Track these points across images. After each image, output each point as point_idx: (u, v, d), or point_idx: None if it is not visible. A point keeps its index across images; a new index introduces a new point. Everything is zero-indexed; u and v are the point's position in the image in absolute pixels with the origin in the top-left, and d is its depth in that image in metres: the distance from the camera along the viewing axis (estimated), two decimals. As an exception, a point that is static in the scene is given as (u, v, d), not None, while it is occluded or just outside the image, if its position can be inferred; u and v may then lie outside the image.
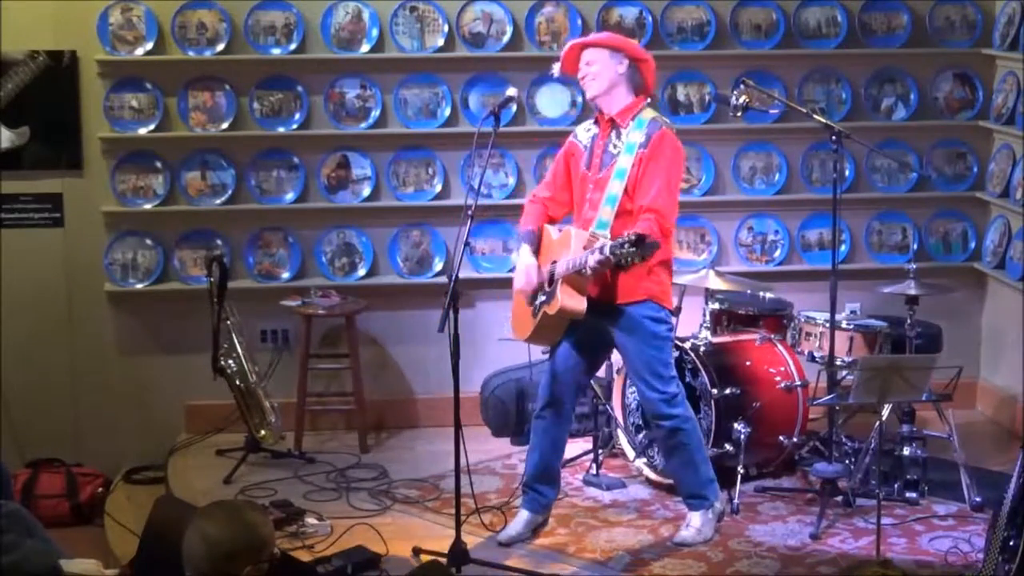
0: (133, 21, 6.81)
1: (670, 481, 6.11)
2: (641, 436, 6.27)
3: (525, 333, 5.60)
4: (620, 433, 6.37)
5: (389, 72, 6.99)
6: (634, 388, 6.24)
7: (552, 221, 5.66)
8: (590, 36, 5.68)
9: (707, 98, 7.08)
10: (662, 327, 5.51)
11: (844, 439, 6.19)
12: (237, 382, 6.54)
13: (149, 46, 6.81)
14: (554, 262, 5.43)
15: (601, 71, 5.47)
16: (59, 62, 6.73)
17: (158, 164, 6.90)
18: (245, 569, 3.67)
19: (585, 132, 5.63)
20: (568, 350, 5.60)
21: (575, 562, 5.51)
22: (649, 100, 5.58)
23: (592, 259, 5.13)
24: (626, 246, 4.95)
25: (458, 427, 5.31)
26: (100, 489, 6.60)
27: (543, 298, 5.46)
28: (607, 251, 5.04)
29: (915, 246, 7.12)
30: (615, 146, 5.48)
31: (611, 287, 5.43)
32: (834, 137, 5.88)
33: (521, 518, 5.73)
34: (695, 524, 5.68)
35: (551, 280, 5.42)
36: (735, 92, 6.10)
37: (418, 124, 7.01)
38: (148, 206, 6.90)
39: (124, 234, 6.92)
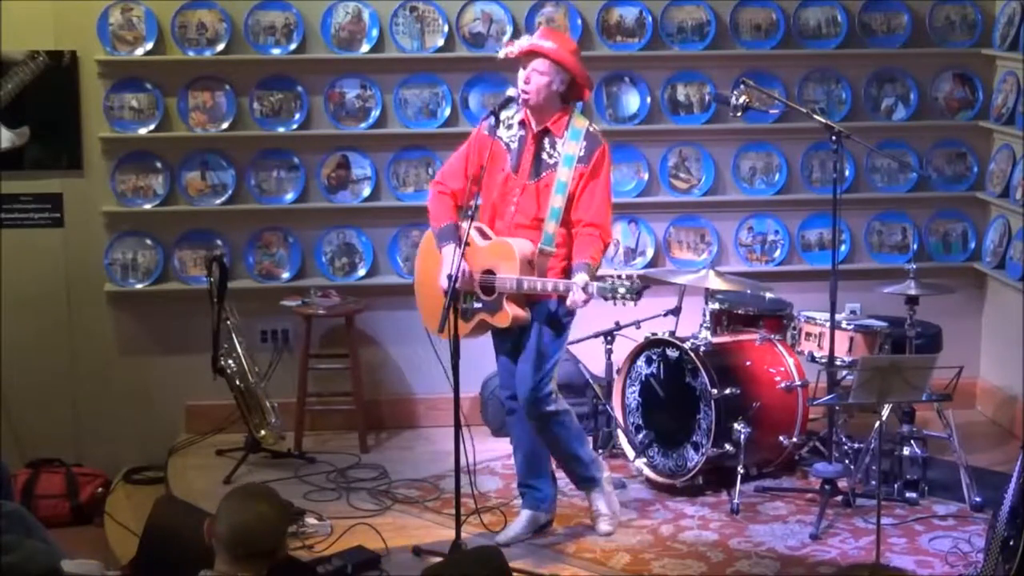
0: (133, 21, 6.81)
1: (671, 481, 6.14)
2: (641, 436, 6.27)
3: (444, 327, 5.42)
4: (620, 433, 6.37)
5: (389, 72, 6.98)
6: (634, 388, 6.28)
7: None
8: (549, 47, 5.40)
9: (707, 98, 7.07)
10: (568, 318, 5.52)
11: (844, 439, 6.18)
12: (237, 382, 6.54)
13: (149, 46, 6.81)
14: (489, 271, 5.41)
15: (545, 85, 5.37)
16: (59, 62, 6.73)
17: (158, 164, 6.89)
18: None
19: (507, 130, 5.53)
20: (510, 345, 5.60)
21: (575, 562, 5.51)
22: (581, 105, 5.62)
23: (580, 298, 5.18)
24: (626, 294, 5.11)
25: (458, 427, 5.32)
26: (100, 489, 6.59)
27: (479, 305, 5.44)
28: (594, 292, 5.16)
29: (915, 246, 7.12)
30: (550, 155, 5.43)
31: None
32: (834, 137, 5.89)
33: (522, 517, 5.72)
34: (603, 509, 5.73)
35: (489, 290, 5.41)
36: (735, 92, 6.11)
37: (418, 124, 7.00)
38: (148, 206, 6.90)
39: (124, 234, 6.92)
